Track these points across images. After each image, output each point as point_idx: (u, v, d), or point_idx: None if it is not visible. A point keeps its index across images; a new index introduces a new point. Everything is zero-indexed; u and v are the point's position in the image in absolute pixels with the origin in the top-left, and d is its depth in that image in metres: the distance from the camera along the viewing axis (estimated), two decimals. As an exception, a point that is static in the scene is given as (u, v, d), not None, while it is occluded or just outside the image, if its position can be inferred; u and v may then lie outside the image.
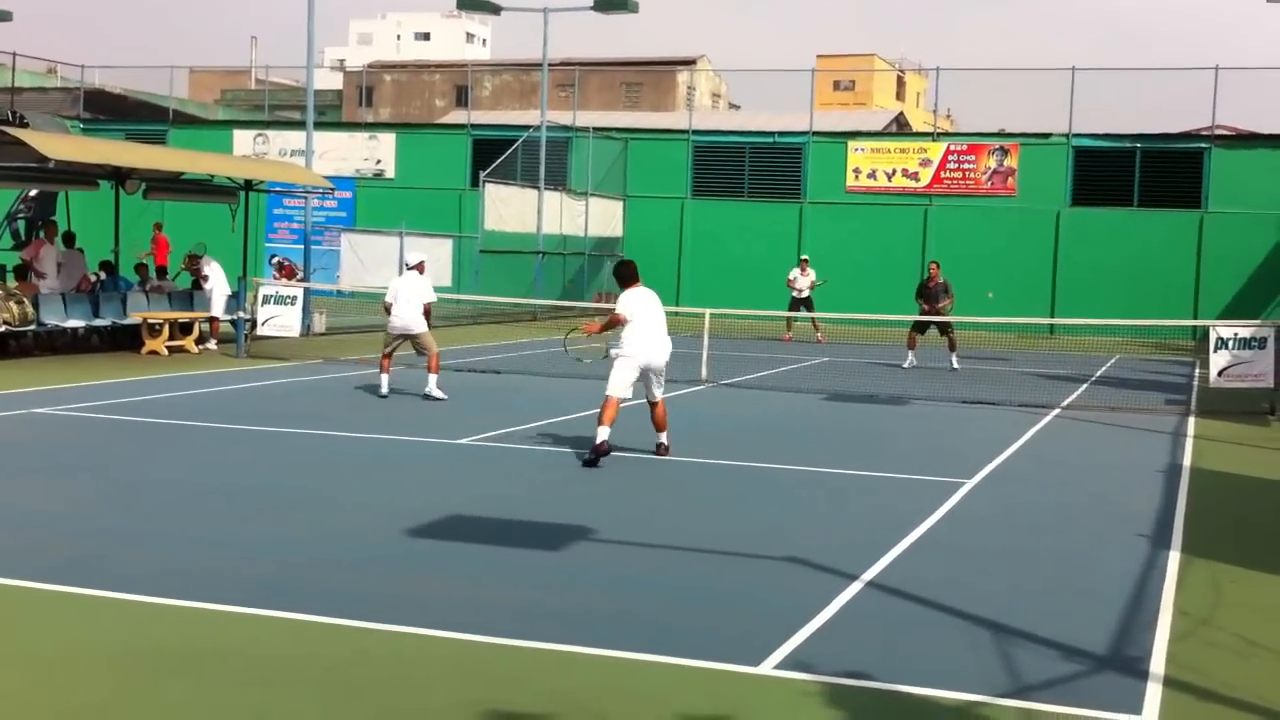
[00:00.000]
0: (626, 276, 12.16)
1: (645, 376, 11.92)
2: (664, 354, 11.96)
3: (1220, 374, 16.78)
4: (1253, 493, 11.32)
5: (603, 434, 11.44)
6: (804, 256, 30.28)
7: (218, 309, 22.21)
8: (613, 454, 11.54)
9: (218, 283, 22.34)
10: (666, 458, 11.93)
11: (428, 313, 15.64)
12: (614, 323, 11.96)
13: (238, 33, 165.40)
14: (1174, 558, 8.46)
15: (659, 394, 12.08)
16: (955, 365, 21.56)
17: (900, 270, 33.36)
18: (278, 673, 5.79)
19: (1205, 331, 18.12)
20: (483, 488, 10.38)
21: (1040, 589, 7.70)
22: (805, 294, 28.55)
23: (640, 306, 11.90)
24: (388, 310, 15.62)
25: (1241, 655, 6.43)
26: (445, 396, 15.27)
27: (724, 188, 37.96)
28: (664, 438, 12.13)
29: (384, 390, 15.45)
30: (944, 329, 22.02)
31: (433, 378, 15.41)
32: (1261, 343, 16.68)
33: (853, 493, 10.77)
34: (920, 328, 22.11)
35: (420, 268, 15.84)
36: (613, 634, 6.44)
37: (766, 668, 6.00)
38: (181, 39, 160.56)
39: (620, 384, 11.70)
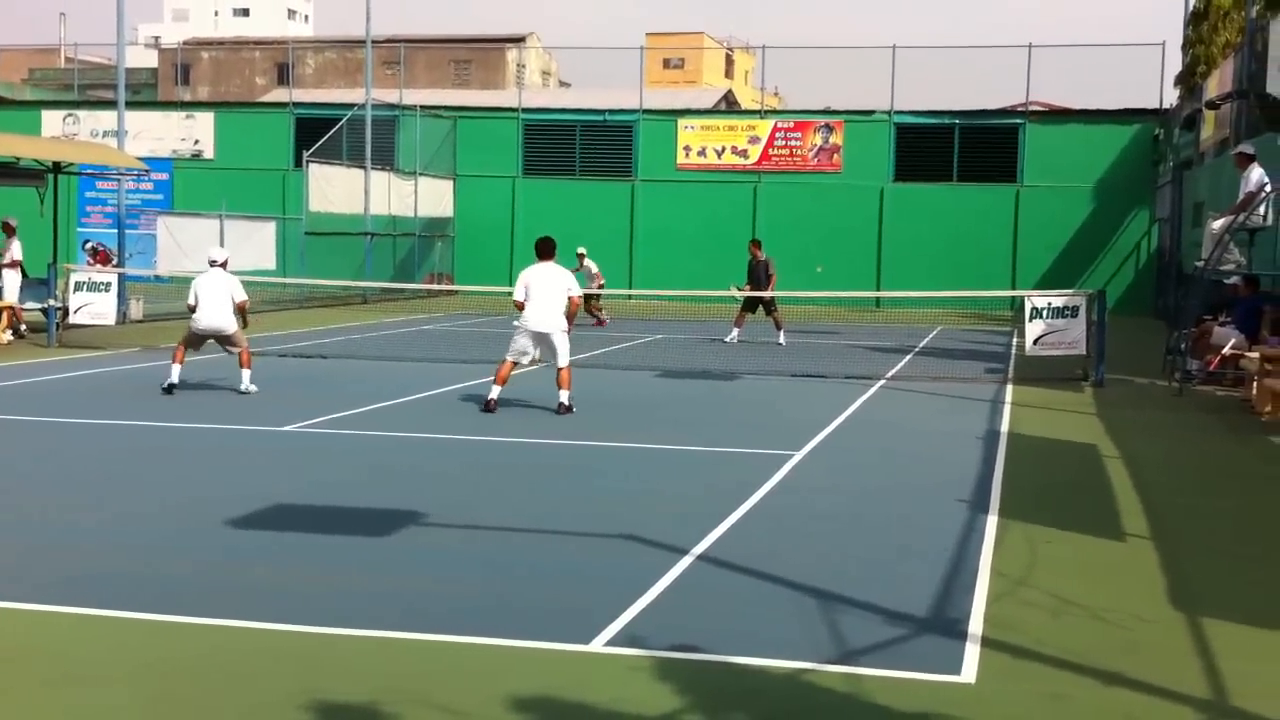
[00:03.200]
0: (537, 252, 13.78)
1: (545, 342, 13.46)
2: (550, 323, 13.40)
3: (1035, 342, 17.36)
4: (1066, 456, 11.73)
5: (493, 392, 13.45)
6: (580, 250, 26.37)
7: (10, 296, 21.11)
8: (449, 437, 11.83)
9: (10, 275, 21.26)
10: (500, 438, 11.85)
11: (242, 311, 14.68)
12: (519, 308, 13.56)
13: (46, 9, 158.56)
14: (992, 521, 8.72)
15: (560, 361, 13.45)
16: (782, 341, 21.95)
17: (731, 247, 33.65)
18: (90, 671, 5.55)
19: (1022, 302, 18.73)
20: (309, 475, 10.14)
21: (865, 556, 7.85)
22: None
23: (534, 282, 13.47)
24: (192, 311, 14.53)
25: (1054, 613, 6.64)
26: (257, 389, 14.38)
27: (555, 166, 37.88)
28: (563, 396, 13.36)
29: (174, 379, 14.19)
30: (768, 307, 22.40)
31: (246, 373, 14.37)
32: (1074, 311, 17.30)
33: (685, 468, 10.83)
34: (749, 306, 22.49)
35: (225, 264, 14.75)
36: (441, 618, 6.34)
37: (598, 645, 5.98)
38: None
39: (511, 349, 13.65)
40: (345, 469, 10.42)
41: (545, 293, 13.44)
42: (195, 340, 14.64)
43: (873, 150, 35.63)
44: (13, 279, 21.17)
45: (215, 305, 14.42)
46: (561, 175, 37.72)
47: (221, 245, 27.53)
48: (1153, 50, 34.75)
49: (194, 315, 14.48)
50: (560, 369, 13.46)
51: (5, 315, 20.62)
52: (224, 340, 14.63)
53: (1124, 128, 34.54)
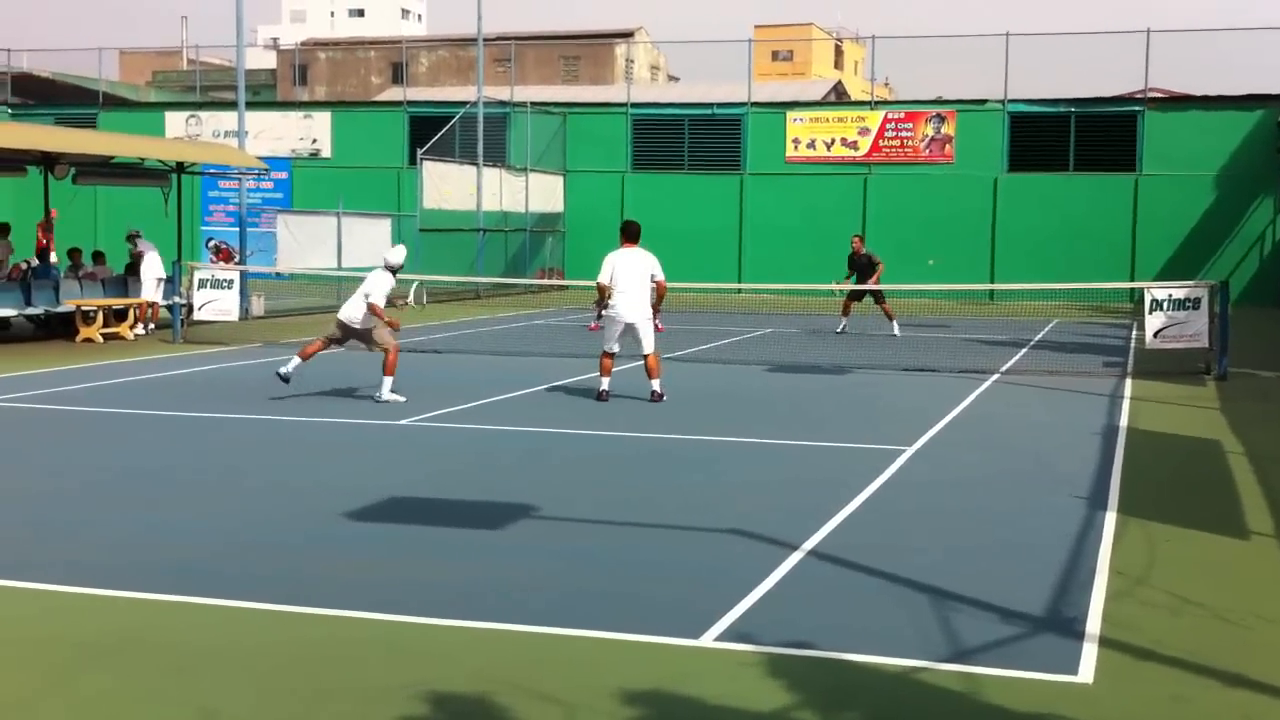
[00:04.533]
0: (624, 235, 13.78)
1: (632, 332, 13.52)
2: (638, 312, 13.44)
3: (1156, 335, 16.95)
4: (1188, 452, 11.45)
5: (602, 384, 13.73)
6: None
7: (149, 292, 21.84)
8: (560, 431, 11.96)
9: (150, 265, 21.99)
10: (611, 432, 11.91)
11: (375, 313, 13.67)
12: (601, 292, 13.65)
13: (169, 13, 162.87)
14: (1110, 518, 8.54)
15: (646, 348, 13.61)
16: (896, 332, 21.93)
17: (841, 240, 33.15)
18: (207, 660, 5.70)
19: (1141, 294, 18.30)
20: (422, 468, 10.30)
21: (979, 553, 7.74)
22: None
23: (620, 268, 13.45)
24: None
25: (1175, 612, 6.49)
26: (402, 399, 13.54)
27: (664, 160, 37.90)
28: (655, 385, 13.53)
29: (287, 369, 13.53)
30: (877, 299, 22.37)
31: (387, 381, 13.58)
32: (1196, 303, 16.86)
33: (794, 462, 10.78)
34: (855, 297, 22.54)
35: (394, 269, 13.91)
36: (550, 610, 6.40)
37: (707, 639, 5.98)
38: (111, 20, 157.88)
39: (607, 339, 13.75)
40: (456, 462, 10.57)
41: (633, 280, 13.50)
42: (335, 335, 13.99)
43: (986, 140, 35.05)
44: (148, 271, 21.83)
45: (354, 296, 13.85)
46: (670, 169, 37.73)
47: (339, 242, 28.14)
48: (1275, 34, 33.76)
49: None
50: (647, 356, 13.62)
51: (132, 311, 21.25)
52: (361, 336, 13.89)
53: (1246, 114, 33.53)
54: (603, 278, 13.59)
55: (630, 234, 13.81)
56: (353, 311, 13.82)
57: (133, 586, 6.74)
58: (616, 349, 13.85)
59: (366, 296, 13.63)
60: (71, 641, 5.96)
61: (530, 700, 5.23)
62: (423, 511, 8.64)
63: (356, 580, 6.93)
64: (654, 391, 13.53)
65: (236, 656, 5.75)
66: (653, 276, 13.71)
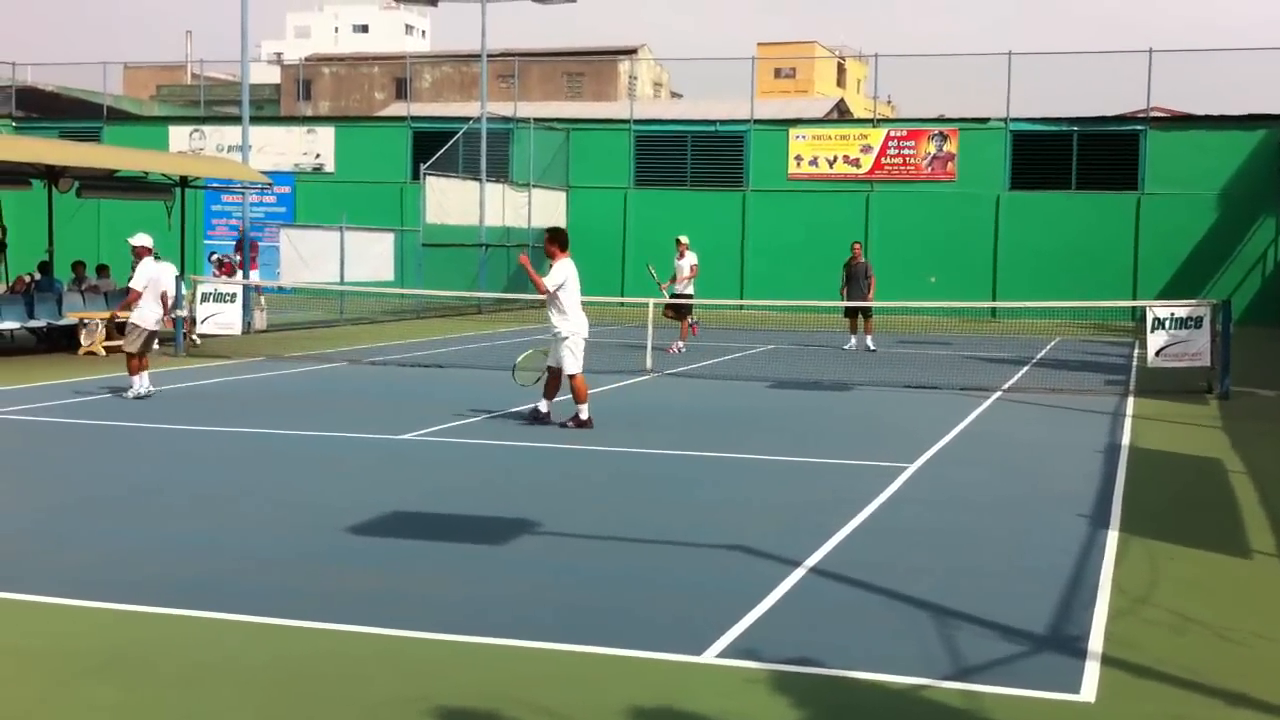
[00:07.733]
0: (564, 245, 13.08)
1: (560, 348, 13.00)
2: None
3: (1158, 354, 16.97)
4: (1190, 470, 11.45)
5: (584, 411, 12.91)
6: (681, 238, 23.00)
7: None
8: (562, 447, 11.99)
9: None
10: (613, 448, 11.92)
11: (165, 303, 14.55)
12: (546, 293, 12.83)
13: (173, 27, 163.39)
14: (1113, 536, 8.54)
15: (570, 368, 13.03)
16: (871, 346, 22.39)
17: (843, 257, 33.44)
18: (207, 674, 5.70)
19: (1143, 312, 18.32)
20: (424, 483, 10.30)
21: (981, 570, 7.74)
22: (687, 284, 22.31)
23: (572, 280, 12.92)
24: (136, 302, 14.60)
25: (1177, 631, 6.49)
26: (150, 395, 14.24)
27: (666, 177, 37.95)
28: (584, 410, 12.94)
29: (145, 390, 14.50)
30: (865, 313, 22.73)
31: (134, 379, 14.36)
32: (1198, 322, 16.88)
33: (796, 479, 10.78)
34: (853, 311, 22.89)
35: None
36: (552, 626, 6.40)
37: (709, 656, 5.98)
38: (116, 35, 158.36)
39: (581, 361, 13.06)
40: (459, 477, 10.57)
41: (578, 295, 13.02)
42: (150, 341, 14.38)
43: (988, 158, 35.10)
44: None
45: (144, 300, 14.43)
46: (673, 186, 37.79)
47: (342, 256, 28.15)
48: (1276, 55, 33.79)
49: (145, 313, 14.58)
50: (574, 376, 13.02)
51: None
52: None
53: (1248, 134, 33.58)
54: (554, 281, 12.79)
55: (567, 244, 13.20)
56: (146, 315, 14.39)
57: (133, 600, 6.74)
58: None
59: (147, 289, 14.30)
60: (71, 654, 5.96)
61: (533, 715, 5.23)
62: (426, 526, 8.65)
63: (360, 595, 6.93)
64: (577, 416, 12.92)
65: (239, 671, 5.75)
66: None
